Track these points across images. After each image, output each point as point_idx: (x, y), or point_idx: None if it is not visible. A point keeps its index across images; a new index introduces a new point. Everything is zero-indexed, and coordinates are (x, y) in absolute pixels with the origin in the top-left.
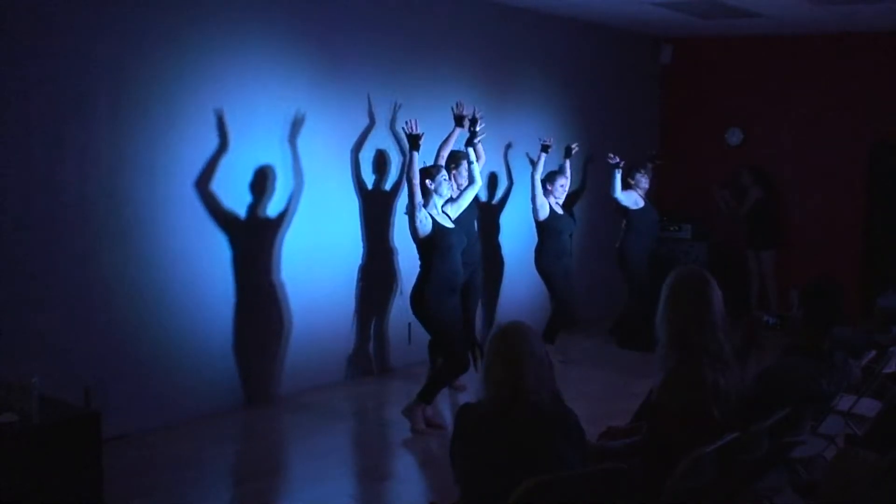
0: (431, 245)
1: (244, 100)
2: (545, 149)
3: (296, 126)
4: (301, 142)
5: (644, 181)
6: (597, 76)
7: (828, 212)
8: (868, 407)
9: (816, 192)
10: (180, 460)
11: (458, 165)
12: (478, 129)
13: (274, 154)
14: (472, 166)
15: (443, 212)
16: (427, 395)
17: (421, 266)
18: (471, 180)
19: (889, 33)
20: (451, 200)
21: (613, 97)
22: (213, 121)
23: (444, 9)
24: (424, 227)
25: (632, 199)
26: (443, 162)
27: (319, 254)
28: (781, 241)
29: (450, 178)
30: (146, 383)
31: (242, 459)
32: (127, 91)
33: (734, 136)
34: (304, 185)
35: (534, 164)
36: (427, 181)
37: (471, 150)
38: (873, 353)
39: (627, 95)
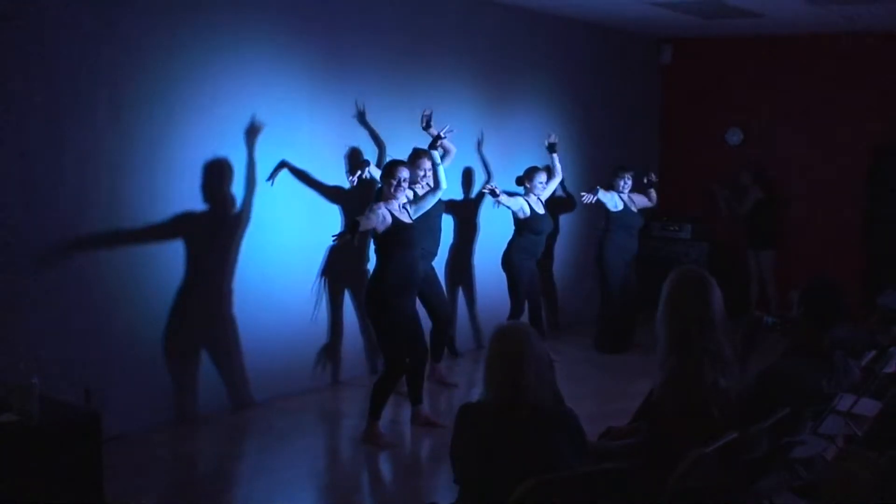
0: (388, 242)
1: (243, 99)
2: (552, 148)
3: (295, 126)
4: (300, 142)
5: (626, 185)
6: (597, 76)
7: (828, 212)
8: (868, 407)
9: (816, 191)
10: (180, 460)
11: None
12: (444, 133)
13: (274, 154)
14: (437, 168)
15: (403, 208)
16: (376, 411)
17: (376, 262)
18: (436, 184)
19: (889, 33)
20: (412, 201)
21: (613, 97)
22: (212, 121)
23: (444, 8)
24: (384, 222)
25: (613, 201)
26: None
27: (315, 254)
28: (781, 241)
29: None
30: (146, 383)
31: (242, 459)
32: (127, 91)
33: (734, 136)
34: (302, 184)
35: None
36: (389, 179)
37: (434, 152)
38: (873, 353)
39: (627, 95)
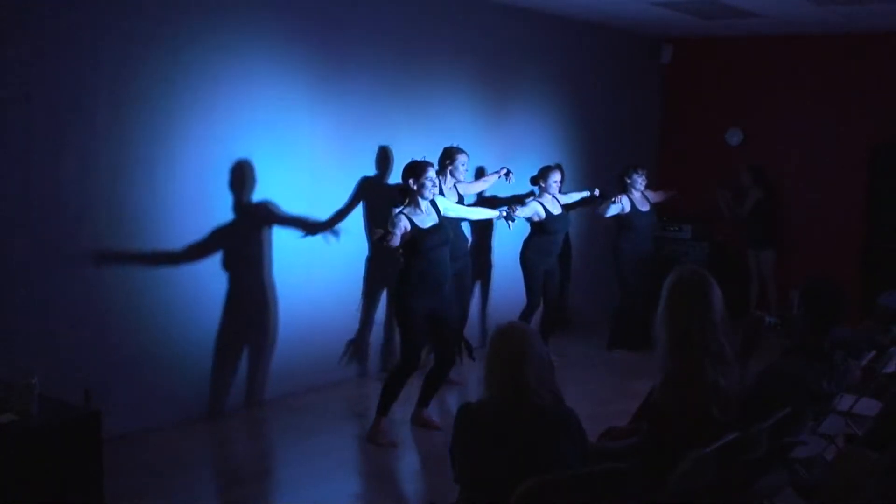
0: (408, 246)
1: (243, 99)
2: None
3: (295, 126)
4: (300, 141)
5: (640, 182)
6: (597, 76)
7: (828, 212)
8: (868, 407)
9: (816, 192)
10: (180, 460)
11: (453, 161)
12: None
13: (273, 154)
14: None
15: (428, 208)
16: (384, 407)
17: (402, 263)
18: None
19: (889, 33)
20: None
21: (613, 97)
22: (212, 120)
23: (444, 8)
24: (402, 233)
25: (618, 208)
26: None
27: (320, 253)
28: (781, 241)
29: (444, 174)
30: (146, 383)
31: (242, 459)
32: (127, 91)
33: (734, 136)
34: (304, 183)
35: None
36: (410, 180)
37: None
38: (873, 353)
39: (627, 95)
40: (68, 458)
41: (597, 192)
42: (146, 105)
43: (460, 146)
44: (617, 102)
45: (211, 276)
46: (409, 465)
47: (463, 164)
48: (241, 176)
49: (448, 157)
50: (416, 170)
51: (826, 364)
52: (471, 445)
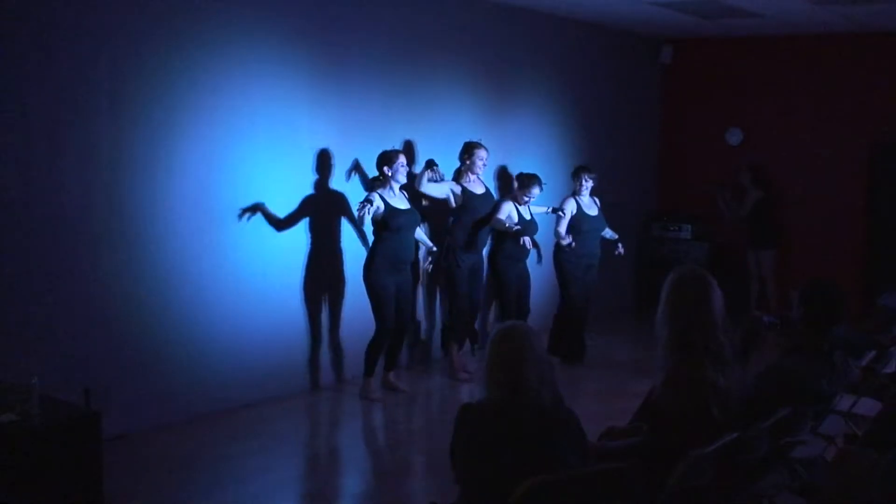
0: (381, 225)
1: (243, 100)
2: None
3: (295, 126)
4: (300, 142)
5: (588, 186)
6: (597, 76)
7: (828, 212)
8: (868, 407)
9: (816, 192)
10: (180, 460)
11: (471, 156)
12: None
13: (273, 153)
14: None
15: (401, 192)
16: (369, 369)
17: (373, 241)
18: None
19: (889, 33)
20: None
21: (613, 97)
22: (212, 121)
23: (444, 8)
24: (377, 211)
25: (567, 218)
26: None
27: (322, 251)
28: (781, 241)
29: (464, 169)
30: (146, 383)
31: (241, 459)
32: (127, 92)
33: (734, 136)
34: (305, 183)
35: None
36: (385, 167)
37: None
38: (873, 353)
39: (627, 95)
40: (68, 458)
41: (552, 210)
42: (146, 105)
43: (481, 141)
44: (617, 102)
45: (213, 276)
46: (409, 464)
47: (481, 159)
48: (241, 175)
49: (466, 151)
50: (388, 158)
51: (826, 364)
52: (471, 446)
